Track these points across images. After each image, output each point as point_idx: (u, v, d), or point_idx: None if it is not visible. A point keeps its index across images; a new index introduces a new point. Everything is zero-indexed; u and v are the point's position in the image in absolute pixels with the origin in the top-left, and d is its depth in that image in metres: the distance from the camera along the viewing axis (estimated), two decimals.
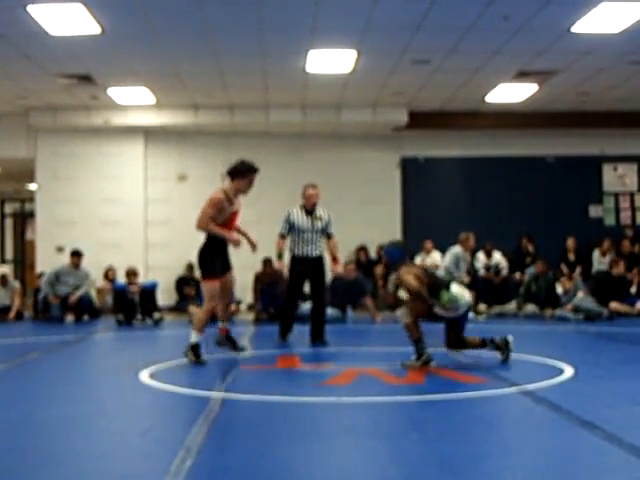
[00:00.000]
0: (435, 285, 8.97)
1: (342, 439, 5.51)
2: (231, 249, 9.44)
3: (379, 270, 17.77)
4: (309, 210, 11.32)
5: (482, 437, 5.53)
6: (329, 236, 11.44)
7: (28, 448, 5.34)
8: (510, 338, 9.08)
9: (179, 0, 11.41)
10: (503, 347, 9.07)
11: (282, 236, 11.40)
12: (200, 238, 9.45)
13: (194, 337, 9.15)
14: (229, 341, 9.78)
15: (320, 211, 11.42)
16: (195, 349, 9.13)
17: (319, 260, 11.32)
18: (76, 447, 5.42)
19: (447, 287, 8.94)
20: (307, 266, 11.21)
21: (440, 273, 14.20)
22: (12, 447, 5.38)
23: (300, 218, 11.29)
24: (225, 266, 9.41)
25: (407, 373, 8.46)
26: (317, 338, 11.35)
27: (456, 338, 9.13)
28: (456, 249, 15.82)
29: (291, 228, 11.30)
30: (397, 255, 9.48)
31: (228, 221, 9.31)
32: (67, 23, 12.08)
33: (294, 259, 11.32)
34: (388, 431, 5.81)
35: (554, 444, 5.33)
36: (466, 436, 5.53)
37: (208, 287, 9.24)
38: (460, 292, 9.06)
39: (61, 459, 5.09)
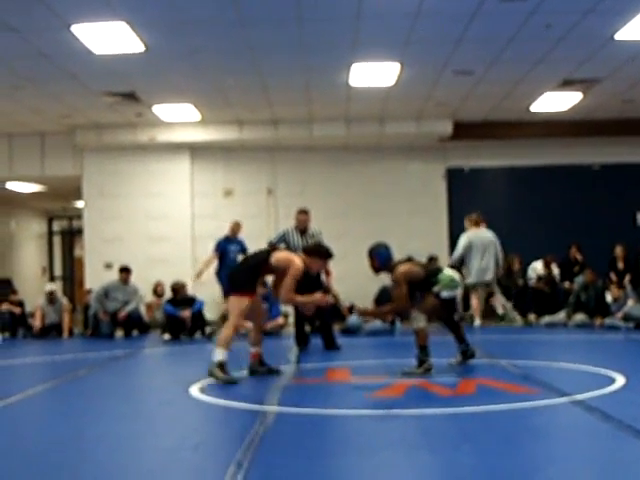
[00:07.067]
0: (432, 271, 9.64)
1: (392, 452, 5.49)
2: None
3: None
4: (302, 230, 12.75)
5: (533, 448, 5.49)
6: None
7: (79, 464, 5.39)
8: (475, 354, 9.93)
9: (221, 19, 11.49)
10: (466, 356, 9.90)
11: (270, 244, 12.43)
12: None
13: (219, 354, 8.83)
14: (262, 366, 9.47)
15: (312, 229, 12.88)
16: (222, 367, 8.79)
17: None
18: (127, 463, 5.45)
19: (440, 271, 9.67)
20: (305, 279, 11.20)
21: None
22: (63, 463, 5.42)
23: (294, 237, 12.68)
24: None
25: (457, 384, 8.45)
26: (330, 344, 12.46)
27: (451, 317, 9.97)
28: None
29: (287, 246, 12.26)
30: (387, 256, 9.63)
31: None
32: (111, 42, 12.19)
33: None
34: (438, 443, 5.78)
35: (606, 454, 5.29)
36: (517, 448, 5.50)
37: (236, 303, 8.98)
38: (452, 272, 9.78)
39: (112, 475, 5.12)
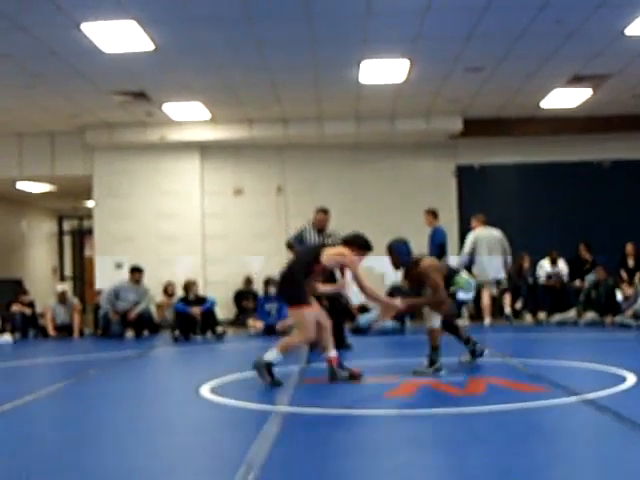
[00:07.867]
0: (450, 273, 9.57)
1: (403, 452, 5.48)
2: None
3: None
4: (319, 229, 12.52)
5: (544, 448, 5.47)
6: None
7: (90, 465, 5.38)
8: (485, 352, 9.86)
9: (230, 15, 11.49)
10: (474, 355, 9.80)
11: (289, 245, 12.61)
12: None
13: (273, 355, 8.42)
14: (344, 369, 8.86)
15: (330, 228, 12.62)
16: (269, 367, 8.39)
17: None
18: (138, 463, 5.45)
19: (458, 272, 9.67)
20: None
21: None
22: (75, 464, 5.41)
23: (311, 235, 12.45)
24: None
25: (468, 384, 8.42)
26: (340, 344, 12.06)
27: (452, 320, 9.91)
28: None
29: (302, 242, 12.25)
30: (407, 251, 9.55)
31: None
32: (120, 40, 12.23)
33: None
34: (449, 443, 5.76)
35: (617, 454, 5.25)
36: (527, 447, 5.47)
37: (300, 315, 8.55)
38: (467, 276, 9.78)
39: (123, 475, 5.12)
